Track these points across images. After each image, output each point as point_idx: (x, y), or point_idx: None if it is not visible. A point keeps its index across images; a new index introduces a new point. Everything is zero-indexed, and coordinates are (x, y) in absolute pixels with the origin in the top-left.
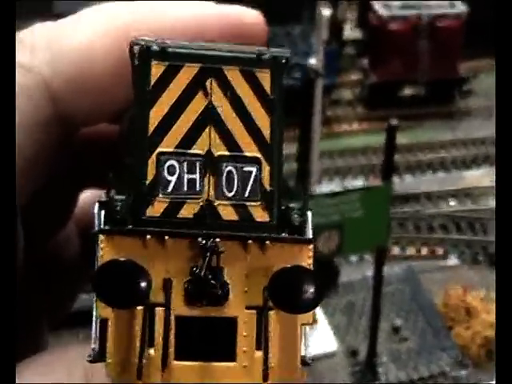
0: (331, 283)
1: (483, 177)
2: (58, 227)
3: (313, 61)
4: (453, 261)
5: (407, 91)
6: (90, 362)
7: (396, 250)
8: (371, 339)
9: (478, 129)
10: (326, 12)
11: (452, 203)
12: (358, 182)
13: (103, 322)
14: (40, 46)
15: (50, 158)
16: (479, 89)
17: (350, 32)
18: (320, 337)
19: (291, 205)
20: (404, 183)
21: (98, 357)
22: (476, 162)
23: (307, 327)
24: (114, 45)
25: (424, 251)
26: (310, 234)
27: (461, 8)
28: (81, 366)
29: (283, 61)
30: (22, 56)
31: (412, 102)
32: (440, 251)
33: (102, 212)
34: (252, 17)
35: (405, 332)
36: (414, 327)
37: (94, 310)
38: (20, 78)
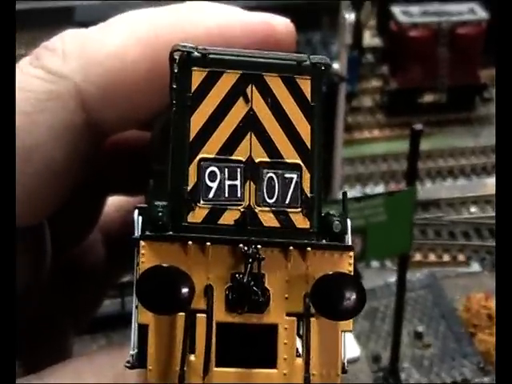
0: None
1: None
2: (83, 234)
3: (336, 66)
4: (474, 267)
5: (427, 98)
6: (129, 368)
7: (417, 257)
8: (394, 345)
9: None
10: (351, 16)
11: (473, 210)
12: (379, 189)
13: (143, 328)
14: (71, 53)
15: (80, 165)
16: None
17: (370, 39)
18: None
19: (331, 212)
20: (425, 190)
21: (138, 363)
22: None
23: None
24: (145, 52)
25: (445, 258)
26: (349, 241)
27: (481, 15)
28: (110, 374)
29: (323, 68)
30: (53, 63)
31: (432, 108)
32: (461, 257)
33: (141, 218)
34: (283, 24)
35: (427, 338)
36: (436, 333)
37: (134, 315)
38: (52, 85)
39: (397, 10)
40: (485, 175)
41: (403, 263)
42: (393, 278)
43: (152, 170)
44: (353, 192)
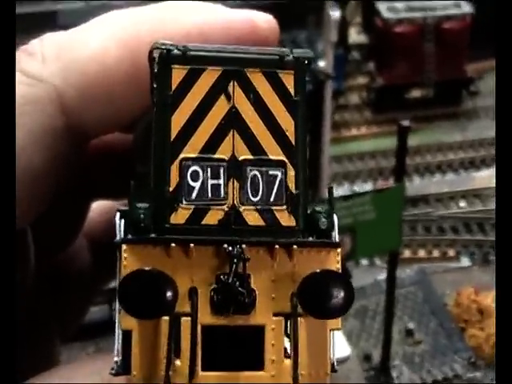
0: None
1: (492, 177)
2: (68, 240)
3: (322, 63)
4: (464, 262)
5: (414, 93)
6: (114, 375)
7: (407, 253)
8: (385, 343)
9: (486, 129)
10: (336, 13)
11: (462, 204)
12: (368, 186)
13: (127, 334)
14: (51, 56)
15: (61, 170)
16: (486, 90)
17: (356, 36)
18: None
19: (317, 208)
20: (413, 185)
21: (122, 370)
22: (485, 162)
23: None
24: (125, 54)
25: (435, 253)
26: (337, 237)
27: (466, 9)
28: (98, 380)
29: (306, 62)
30: (32, 66)
31: (419, 104)
32: (451, 252)
33: (123, 221)
34: (265, 21)
35: (418, 335)
36: (427, 330)
37: (117, 321)
38: (31, 88)
39: (382, 7)
40: (473, 169)
41: (393, 260)
42: (382, 276)
43: (135, 172)
44: (341, 190)
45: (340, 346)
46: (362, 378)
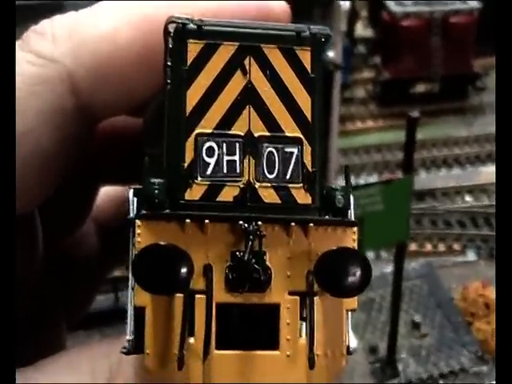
0: None
1: None
2: (76, 224)
3: (331, 54)
4: (470, 256)
5: (420, 88)
6: (125, 353)
7: (413, 246)
8: (391, 335)
9: (492, 125)
10: (346, 3)
11: (468, 199)
12: (373, 180)
13: (140, 311)
14: (61, 36)
15: (70, 152)
16: (492, 86)
17: (362, 30)
18: None
19: (334, 186)
20: (420, 180)
21: (134, 349)
22: (491, 157)
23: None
24: (137, 34)
25: (441, 247)
26: (353, 216)
27: (473, 4)
28: (106, 364)
29: (323, 39)
30: (42, 46)
31: (425, 98)
32: (457, 247)
33: (135, 199)
34: (279, 7)
35: (424, 328)
36: (433, 323)
37: (130, 298)
38: (41, 68)
39: (389, 0)
40: (479, 164)
41: (400, 252)
42: (388, 269)
43: (145, 155)
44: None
45: None
46: (368, 370)
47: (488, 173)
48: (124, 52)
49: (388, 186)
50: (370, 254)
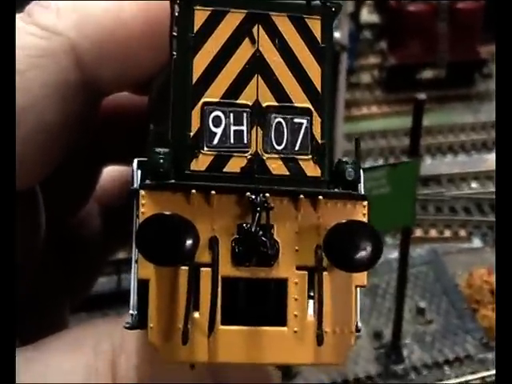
0: None
1: None
2: (79, 204)
3: (337, 34)
4: (476, 243)
5: (426, 74)
6: (129, 328)
7: (418, 232)
8: (396, 321)
9: None
10: None
11: (474, 185)
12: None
13: (144, 284)
14: (65, 9)
15: (74, 128)
16: None
17: (367, 16)
18: None
19: (344, 159)
20: (425, 166)
21: (138, 323)
22: None
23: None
24: (141, 8)
25: (447, 233)
26: (363, 190)
27: None
28: (108, 341)
29: (333, 8)
30: (46, 19)
31: (431, 84)
32: (463, 233)
33: (140, 170)
34: None
35: (429, 314)
36: (438, 309)
37: (133, 271)
38: (45, 41)
39: None
40: (485, 151)
41: (406, 237)
42: (393, 255)
43: (150, 132)
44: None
45: None
46: (373, 355)
47: (494, 160)
48: (129, 25)
49: (395, 169)
50: None
